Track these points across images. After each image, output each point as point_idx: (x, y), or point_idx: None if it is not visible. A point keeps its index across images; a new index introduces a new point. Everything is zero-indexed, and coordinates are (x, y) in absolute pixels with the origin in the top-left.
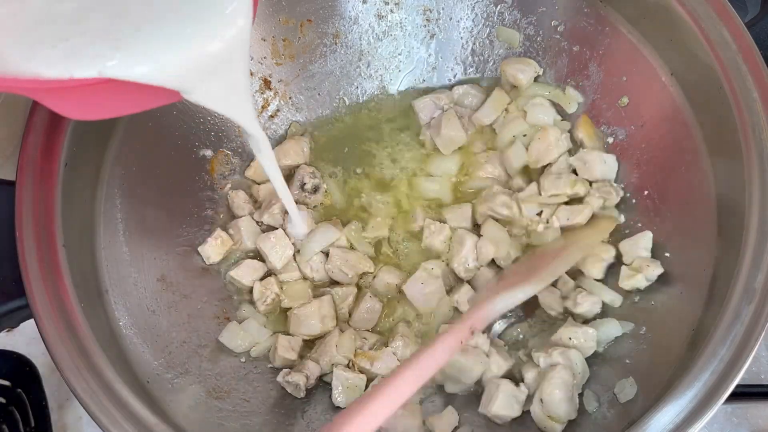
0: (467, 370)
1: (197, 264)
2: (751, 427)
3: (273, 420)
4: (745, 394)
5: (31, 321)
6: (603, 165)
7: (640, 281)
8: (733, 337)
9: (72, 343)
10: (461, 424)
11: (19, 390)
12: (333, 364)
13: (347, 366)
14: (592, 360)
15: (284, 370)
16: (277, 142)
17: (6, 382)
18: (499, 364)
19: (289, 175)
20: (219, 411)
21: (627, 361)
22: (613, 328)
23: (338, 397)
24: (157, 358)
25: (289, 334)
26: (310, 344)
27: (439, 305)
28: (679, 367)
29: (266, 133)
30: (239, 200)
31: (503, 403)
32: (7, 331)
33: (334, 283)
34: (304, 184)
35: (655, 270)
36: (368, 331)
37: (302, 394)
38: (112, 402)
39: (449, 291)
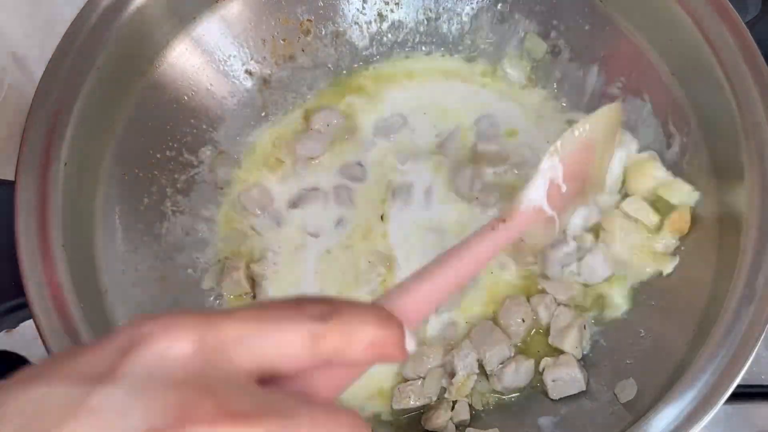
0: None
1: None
2: (751, 428)
3: None
4: (745, 394)
5: (31, 321)
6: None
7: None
8: (733, 337)
9: (72, 343)
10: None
11: None
12: None
13: None
14: (591, 359)
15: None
16: None
17: None
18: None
19: None
20: None
21: (627, 361)
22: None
23: None
24: None
25: None
26: None
27: None
28: (679, 368)
29: None
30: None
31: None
32: (7, 331)
33: None
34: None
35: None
36: None
37: None
38: None
39: None
